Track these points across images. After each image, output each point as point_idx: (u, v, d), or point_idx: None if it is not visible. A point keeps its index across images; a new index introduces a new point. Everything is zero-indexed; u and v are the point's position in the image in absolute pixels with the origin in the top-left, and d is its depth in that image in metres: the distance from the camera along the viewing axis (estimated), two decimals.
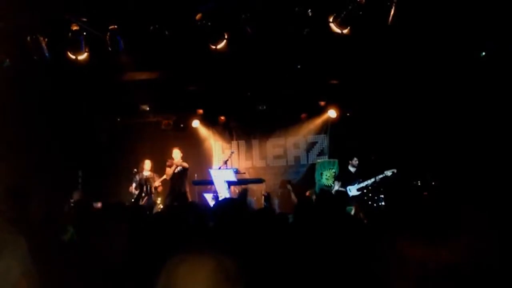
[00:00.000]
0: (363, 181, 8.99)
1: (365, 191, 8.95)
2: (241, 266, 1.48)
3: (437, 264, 2.34)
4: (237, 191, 9.78)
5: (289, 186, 8.95)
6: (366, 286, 2.64)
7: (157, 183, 9.98)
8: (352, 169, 9.27)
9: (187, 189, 9.76)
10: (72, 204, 6.55)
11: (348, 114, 10.97)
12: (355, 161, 9.20)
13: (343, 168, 9.75)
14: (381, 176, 8.82)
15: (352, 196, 8.95)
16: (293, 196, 8.33)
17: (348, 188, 9.07)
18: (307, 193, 9.22)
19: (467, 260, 2.26)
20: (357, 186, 9.01)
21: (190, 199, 9.63)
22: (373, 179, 8.85)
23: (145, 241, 3.01)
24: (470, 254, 2.31)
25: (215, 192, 9.15)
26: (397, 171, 8.79)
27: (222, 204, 3.52)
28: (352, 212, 7.10)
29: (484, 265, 2.26)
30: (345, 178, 9.30)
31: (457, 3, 7.02)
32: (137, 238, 3.05)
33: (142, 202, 9.61)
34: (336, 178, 9.80)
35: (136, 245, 2.96)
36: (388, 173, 8.80)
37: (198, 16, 7.58)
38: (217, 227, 2.86)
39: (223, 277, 1.42)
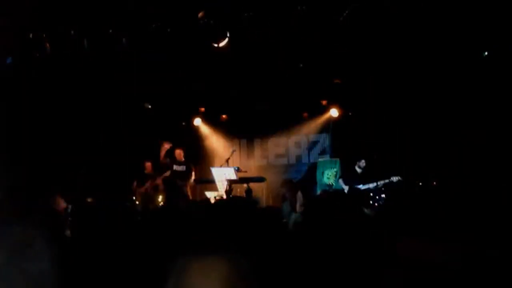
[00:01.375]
0: (368, 182, 8.96)
1: (371, 193, 8.93)
2: (255, 266, 1.47)
3: (429, 261, 2.35)
4: (238, 189, 9.79)
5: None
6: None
7: (158, 181, 10.00)
8: (358, 170, 9.23)
9: (188, 188, 9.76)
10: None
11: (350, 113, 10.95)
12: (362, 163, 9.16)
13: (348, 167, 9.71)
14: (386, 181, 8.78)
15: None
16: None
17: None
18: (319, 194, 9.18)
19: (458, 260, 2.27)
20: (362, 186, 8.99)
21: (191, 198, 9.66)
22: (379, 183, 8.82)
23: (145, 239, 3.02)
24: (461, 254, 2.32)
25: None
26: (402, 178, 8.74)
27: (230, 203, 3.53)
28: None
29: (473, 266, 2.26)
30: (350, 178, 9.28)
31: (459, 3, 7.02)
32: (136, 236, 3.06)
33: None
34: (341, 176, 9.77)
35: (136, 243, 2.97)
36: (394, 179, 8.76)
37: (201, 14, 7.58)
38: (225, 226, 2.87)
39: (238, 277, 1.41)
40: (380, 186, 8.82)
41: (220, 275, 1.37)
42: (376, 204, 8.70)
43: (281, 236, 3.08)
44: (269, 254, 2.67)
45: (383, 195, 8.74)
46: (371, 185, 8.88)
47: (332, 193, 6.14)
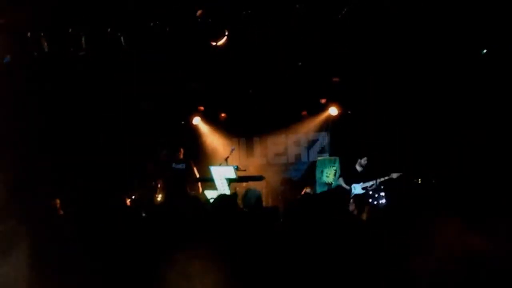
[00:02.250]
0: (368, 180, 8.95)
1: (370, 191, 8.92)
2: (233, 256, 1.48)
3: (464, 248, 2.29)
4: (237, 188, 9.77)
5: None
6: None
7: (159, 180, 9.98)
8: (359, 168, 9.19)
9: (188, 187, 9.72)
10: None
11: (349, 112, 10.93)
12: (364, 160, 9.11)
13: (348, 165, 9.68)
14: (386, 178, 8.77)
15: (356, 194, 8.90)
16: None
17: (353, 186, 9.06)
18: (305, 190, 9.18)
19: (496, 251, 2.21)
20: (362, 185, 8.98)
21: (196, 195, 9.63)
22: (378, 180, 8.80)
23: (138, 236, 3.02)
24: (501, 247, 2.26)
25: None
26: (402, 174, 8.72)
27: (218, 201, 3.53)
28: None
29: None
30: (350, 176, 9.25)
31: (458, 2, 7.01)
32: (131, 234, 3.07)
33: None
34: (341, 175, 9.75)
35: (130, 240, 2.98)
36: (394, 175, 8.73)
37: (199, 12, 7.56)
38: (212, 222, 2.87)
39: (217, 269, 1.42)
40: (380, 183, 8.80)
41: (203, 268, 1.38)
42: (375, 202, 8.69)
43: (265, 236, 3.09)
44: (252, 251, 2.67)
45: (382, 193, 8.74)
46: (371, 183, 8.87)
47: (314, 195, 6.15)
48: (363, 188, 8.95)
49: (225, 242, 2.58)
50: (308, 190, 9.27)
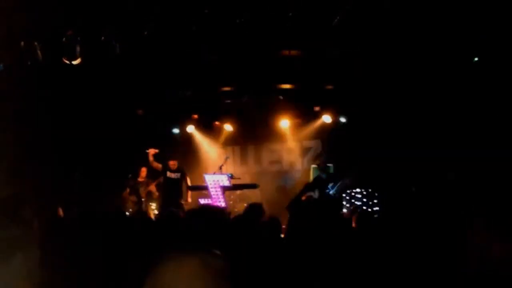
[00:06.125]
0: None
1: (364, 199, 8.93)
2: (228, 264, 1.48)
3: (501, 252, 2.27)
4: (232, 196, 9.77)
5: None
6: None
7: (152, 187, 9.96)
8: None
9: (182, 196, 9.69)
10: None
11: (342, 119, 10.96)
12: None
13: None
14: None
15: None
16: None
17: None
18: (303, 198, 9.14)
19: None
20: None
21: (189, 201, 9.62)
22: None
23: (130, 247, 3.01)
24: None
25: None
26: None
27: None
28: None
29: None
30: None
31: (451, 8, 7.07)
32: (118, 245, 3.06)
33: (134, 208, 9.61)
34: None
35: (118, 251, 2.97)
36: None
37: None
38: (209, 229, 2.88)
39: (209, 274, 1.42)
40: (373, 190, 8.82)
41: (194, 273, 1.38)
42: (370, 210, 8.70)
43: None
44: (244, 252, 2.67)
45: (375, 201, 8.75)
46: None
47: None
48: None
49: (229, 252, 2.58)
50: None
